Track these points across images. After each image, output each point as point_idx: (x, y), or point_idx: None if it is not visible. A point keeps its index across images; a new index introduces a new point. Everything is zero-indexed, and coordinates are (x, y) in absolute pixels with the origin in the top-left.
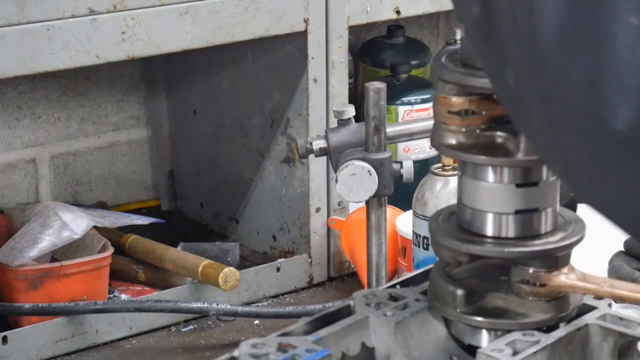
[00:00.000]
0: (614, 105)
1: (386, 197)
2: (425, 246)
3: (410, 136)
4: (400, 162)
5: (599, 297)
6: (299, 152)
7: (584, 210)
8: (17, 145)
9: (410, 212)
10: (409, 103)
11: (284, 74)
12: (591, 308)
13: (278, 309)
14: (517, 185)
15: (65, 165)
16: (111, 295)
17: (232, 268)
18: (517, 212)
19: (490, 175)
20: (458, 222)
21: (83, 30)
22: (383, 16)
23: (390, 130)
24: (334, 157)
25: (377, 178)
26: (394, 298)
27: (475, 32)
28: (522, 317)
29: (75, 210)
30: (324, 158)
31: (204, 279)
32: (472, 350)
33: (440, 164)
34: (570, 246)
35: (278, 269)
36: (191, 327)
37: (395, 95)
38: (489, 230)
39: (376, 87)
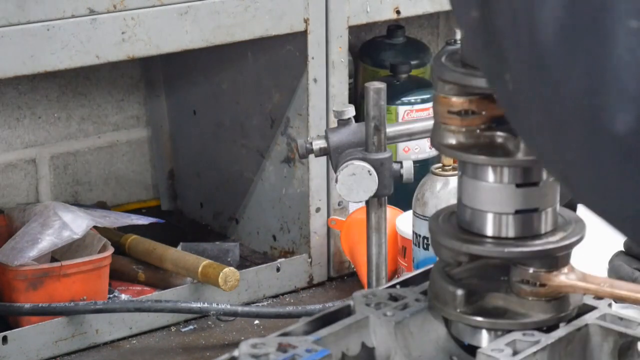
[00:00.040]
0: (614, 109)
1: (386, 197)
2: (425, 246)
3: (410, 136)
4: (400, 162)
5: (599, 297)
6: (299, 152)
7: (584, 210)
8: (17, 145)
9: (410, 212)
10: (409, 103)
11: (284, 74)
12: (591, 308)
13: (278, 309)
14: (517, 185)
15: (65, 165)
16: (111, 295)
17: (232, 268)
18: (517, 212)
19: (490, 175)
20: (458, 222)
21: (83, 30)
22: (383, 16)
23: (390, 130)
24: (334, 157)
25: (377, 178)
26: (394, 298)
27: (474, 37)
28: (522, 317)
29: (75, 210)
30: (324, 158)
31: (204, 279)
32: (472, 350)
33: (440, 164)
34: (570, 246)
35: (278, 269)
36: (191, 327)
37: (395, 95)
38: (489, 230)
39: (376, 87)
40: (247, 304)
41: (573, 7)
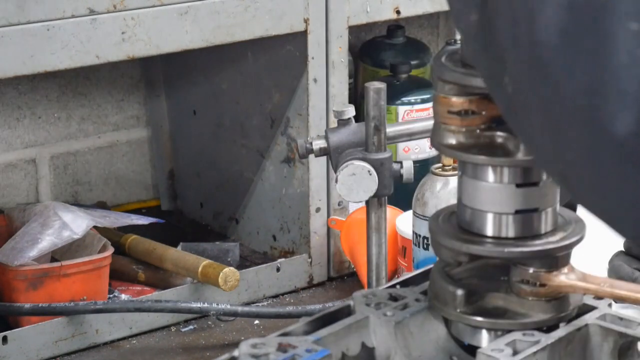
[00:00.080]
0: (614, 111)
1: (386, 197)
2: (425, 246)
3: (410, 136)
4: (400, 162)
5: (599, 297)
6: (299, 152)
7: (583, 211)
8: (17, 145)
9: (410, 212)
10: (409, 103)
11: (284, 74)
12: (591, 308)
13: (278, 309)
14: (517, 185)
15: (65, 165)
16: (111, 295)
17: (232, 268)
18: (517, 212)
19: (490, 175)
20: (458, 222)
21: (83, 30)
22: (383, 16)
23: (390, 130)
24: (334, 157)
25: (377, 178)
26: (394, 298)
27: (474, 39)
28: (522, 317)
29: (75, 210)
30: (324, 158)
31: (204, 279)
32: (472, 350)
33: (440, 164)
34: (570, 246)
35: (278, 269)
36: (191, 327)
37: (395, 95)
38: (489, 230)
39: (376, 87)
40: (247, 304)
41: (573, 8)
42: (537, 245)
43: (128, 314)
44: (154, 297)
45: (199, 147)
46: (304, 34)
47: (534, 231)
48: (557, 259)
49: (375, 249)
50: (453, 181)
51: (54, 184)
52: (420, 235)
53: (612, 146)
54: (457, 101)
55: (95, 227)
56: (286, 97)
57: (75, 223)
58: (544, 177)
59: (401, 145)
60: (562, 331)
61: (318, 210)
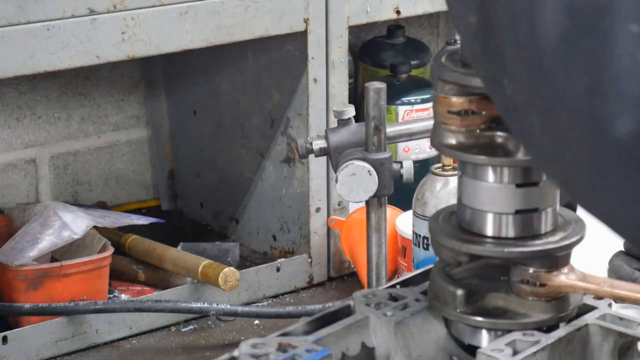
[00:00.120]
0: (614, 113)
1: (386, 197)
2: (425, 246)
3: (410, 136)
4: (400, 162)
5: (599, 297)
6: (299, 152)
7: (583, 211)
8: (17, 145)
9: (410, 212)
10: (409, 103)
11: (284, 74)
12: (591, 308)
13: (278, 309)
14: (517, 185)
15: (65, 165)
16: (111, 295)
17: (232, 268)
18: (517, 212)
19: (490, 175)
20: (458, 222)
21: (83, 30)
22: (383, 16)
23: (390, 130)
24: (334, 157)
25: (377, 178)
26: (394, 298)
27: (473, 41)
28: (522, 317)
29: (75, 210)
30: (324, 158)
31: (204, 279)
32: (472, 350)
33: (440, 164)
34: (570, 246)
35: (278, 269)
36: (191, 327)
37: (395, 95)
38: (489, 230)
39: (376, 87)
40: (247, 304)
41: (573, 11)
42: (537, 245)
43: (128, 314)
44: (154, 297)
45: (199, 147)
46: (304, 34)
47: (534, 231)
48: (557, 259)
49: (375, 249)
50: (453, 181)
51: (54, 184)
52: (420, 235)
53: (612, 148)
54: (457, 101)
55: (95, 227)
56: (286, 97)
57: (75, 223)
58: (544, 177)
59: (401, 145)
60: (562, 331)
61: (318, 210)
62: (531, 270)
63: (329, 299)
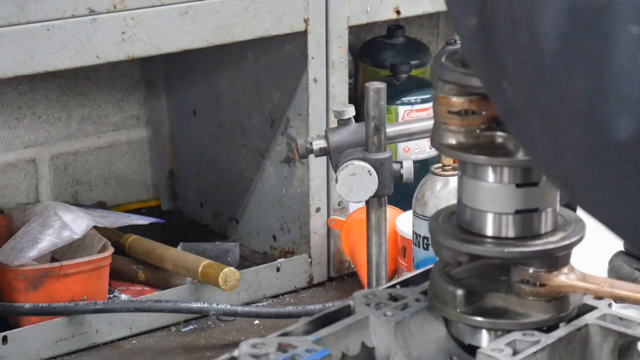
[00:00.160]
0: (614, 115)
1: (386, 197)
2: (425, 246)
3: (410, 136)
4: (400, 162)
5: (599, 297)
6: (299, 152)
7: (583, 212)
8: (17, 145)
9: (410, 212)
10: (409, 103)
11: (284, 74)
12: (591, 308)
13: (278, 309)
14: (517, 185)
15: (65, 165)
16: (111, 295)
17: (232, 268)
18: (517, 212)
19: (490, 175)
20: (458, 222)
21: (83, 30)
22: (383, 16)
23: (390, 130)
24: (334, 157)
25: (377, 178)
26: (394, 298)
27: (473, 43)
28: (522, 317)
29: (75, 210)
30: (324, 158)
31: (204, 279)
32: (472, 350)
33: (440, 164)
34: (570, 246)
35: (278, 269)
36: (191, 327)
37: (395, 95)
38: (489, 230)
39: (376, 87)
40: (247, 304)
41: (573, 12)
42: (537, 245)
43: (128, 314)
44: (154, 297)
45: (199, 147)
46: (304, 34)
47: (534, 231)
48: (557, 259)
49: (375, 249)
50: (453, 181)
51: (54, 184)
52: (420, 235)
53: (611, 149)
54: (457, 101)
55: (95, 227)
56: (286, 97)
57: (75, 223)
58: (544, 177)
59: (401, 145)
60: (562, 331)
61: (318, 210)
62: (531, 270)
63: (329, 299)
